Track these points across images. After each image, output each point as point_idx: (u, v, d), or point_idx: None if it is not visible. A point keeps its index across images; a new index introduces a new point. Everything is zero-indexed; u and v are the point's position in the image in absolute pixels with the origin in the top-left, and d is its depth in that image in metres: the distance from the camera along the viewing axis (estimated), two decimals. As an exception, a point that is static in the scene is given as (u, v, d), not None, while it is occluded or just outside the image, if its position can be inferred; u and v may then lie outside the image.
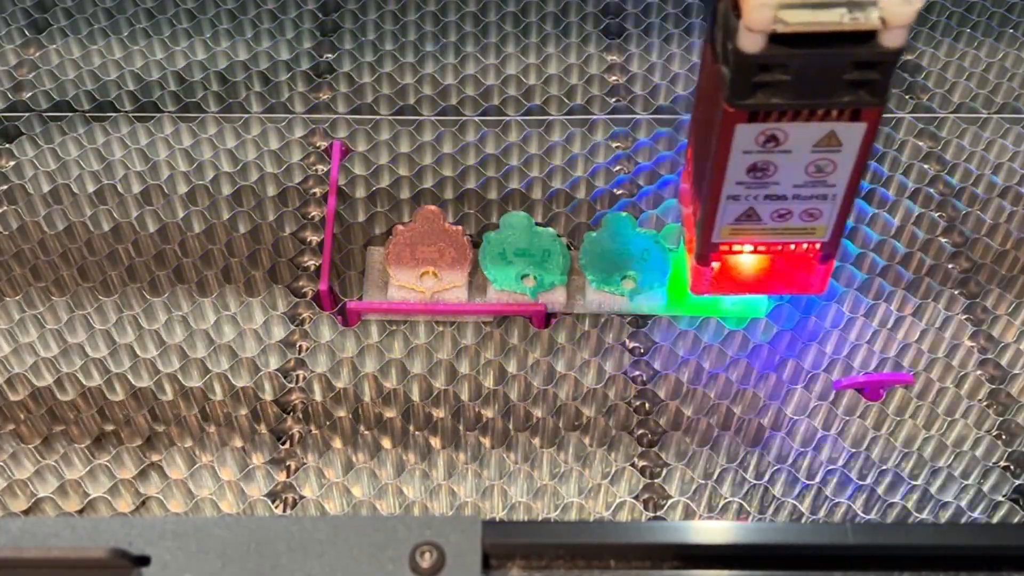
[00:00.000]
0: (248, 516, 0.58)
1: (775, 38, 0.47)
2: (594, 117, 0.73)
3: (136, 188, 0.70)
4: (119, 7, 0.78)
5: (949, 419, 0.61)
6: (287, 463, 0.61)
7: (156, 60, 0.76)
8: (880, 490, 0.59)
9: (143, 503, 0.59)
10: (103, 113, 0.73)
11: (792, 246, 0.57)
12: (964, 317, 0.65)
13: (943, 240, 0.68)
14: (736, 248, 0.57)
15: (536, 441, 0.61)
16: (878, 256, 0.67)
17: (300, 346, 0.65)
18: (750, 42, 0.47)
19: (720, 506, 0.59)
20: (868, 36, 0.47)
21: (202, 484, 0.60)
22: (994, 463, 0.60)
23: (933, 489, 0.59)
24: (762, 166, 0.52)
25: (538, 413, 0.61)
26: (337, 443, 0.61)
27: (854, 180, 0.53)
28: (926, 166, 0.71)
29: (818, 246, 0.56)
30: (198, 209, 0.68)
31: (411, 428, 0.61)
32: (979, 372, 0.63)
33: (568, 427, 0.61)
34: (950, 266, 0.67)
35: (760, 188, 0.53)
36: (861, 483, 0.59)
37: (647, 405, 0.62)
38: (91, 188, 0.69)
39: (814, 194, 0.54)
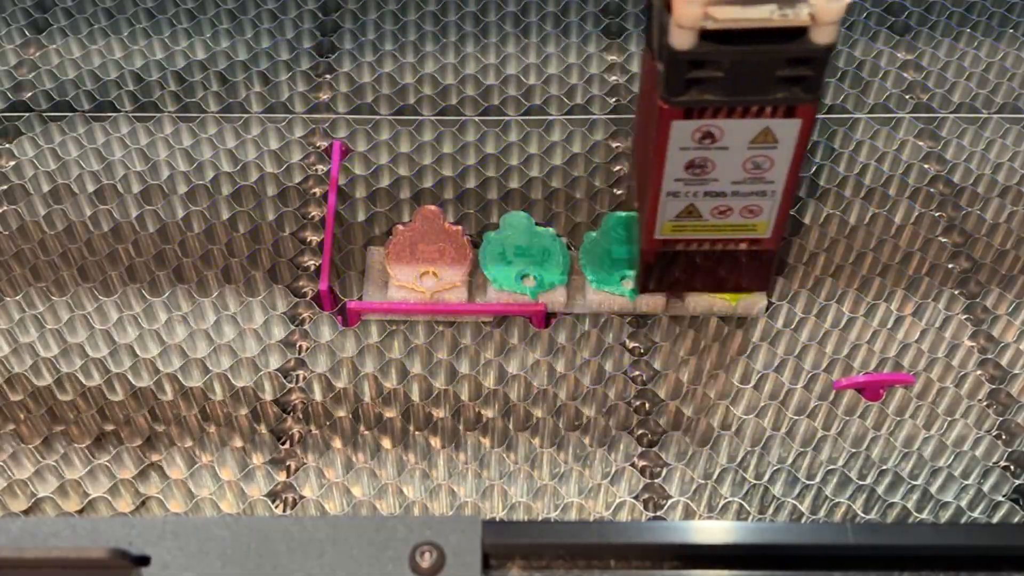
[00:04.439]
0: (248, 516, 0.58)
1: (707, 35, 0.47)
2: (594, 117, 0.73)
3: (136, 188, 0.70)
4: (119, 7, 0.78)
5: (949, 419, 0.61)
6: (287, 463, 0.61)
7: (156, 60, 0.76)
8: (880, 490, 0.59)
9: (143, 503, 0.59)
10: (103, 113, 0.73)
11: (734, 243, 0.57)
12: (964, 317, 0.65)
13: (943, 240, 0.68)
14: (680, 245, 0.57)
15: (536, 441, 0.61)
16: (878, 256, 0.67)
17: (300, 346, 0.65)
18: (681, 39, 0.47)
19: (720, 506, 0.59)
20: (799, 33, 0.47)
21: (202, 484, 0.60)
22: (994, 463, 0.60)
23: (933, 489, 0.59)
24: (700, 163, 0.53)
25: (538, 413, 0.61)
26: (337, 443, 0.61)
27: (792, 177, 0.54)
28: (926, 166, 0.71)
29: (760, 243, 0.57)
30: (198, 209, 0.68)
31: (411, 428, 0.61)
32: (979, 372, 0.63)
33: (568, 427, 0.61)
34: (950, 266, 0.67)
35: (699, 185, 0.54)
36: (861, 483, 0.59)
37: (647, 405, 0.62)
38: (91, 188, 0.69)
39: (753, 191, 0.54)
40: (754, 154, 0.52)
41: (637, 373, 0.63)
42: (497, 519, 0.59)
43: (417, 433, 0.61)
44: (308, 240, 0.69)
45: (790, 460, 0.60)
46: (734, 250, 0.58)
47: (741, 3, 0.46)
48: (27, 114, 0.73)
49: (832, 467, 0.59)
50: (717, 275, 0.60)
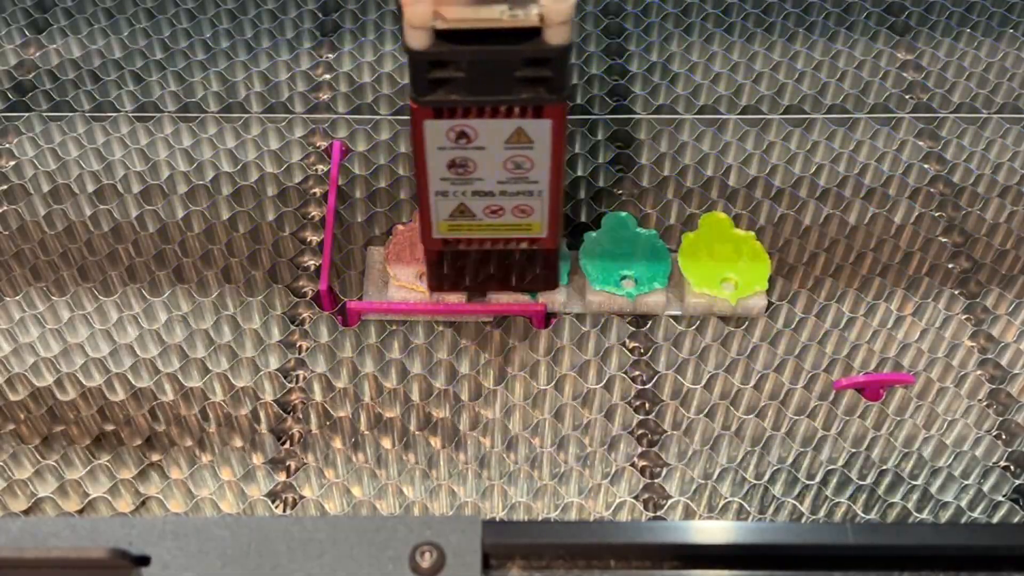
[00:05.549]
0: (248, 516, 0.58)
1: (443, 35, 0.47)
2: (594, 117, 0.73)
3: (136, 188, 0.70)
4: (119, 7, 0.78)
5: (949, 419, 0.61)
6: (287, 463, 0.61)
7: (156, 60, 0.76)
8: (880, 490, 0.59)
9: (143, 503, 0.59)
10: (103, 113, 0.73)
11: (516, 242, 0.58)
12: (964, 317, 0.65)
13: (943, 240, 0.68)
14: (461, 244, 0.58)
15: (536, 441, 0.61)
16: (878, 256, 0.67)
17: (300, 346, 0.65)
18: (415, 38, 0.47)
19: (720, 506, 0.59)
20: (534, 33, 0.47)
21: (202, 484, 0.60)
22: (994, 463, 0.60)
23: (933, 489, 0.59)
24: (461, 162, 0.53)
25: (537, 413, 0.61)
26: (337, 443, 0.61)
27: (555, 176, 0.54)
28: (926, 166, 0.71)
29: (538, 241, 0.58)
30: (198, 209, 0.68)
31: (411, 428, 0.61)
32: (979, 372, 0.63)
33: (568, 427, 0.61)
34: (950, 266, 0.67)
35: (465, 184, 0.54)
36: (861, 483, 0.59)
37: (647, 405, 0.62)
38: (91, 188, 0.69)
39: (520, 190, 0.55)
40: (512, 154, 0.53)
41: (637, 373, 0.63)
42: (497, 519, 0.59)
43: (417, 433, 0.61)
44: (308, 240, 0.69)
45: (790, 460, 0.60)
46: (516, 249, 0.59)
47: (472, 3, 0.46)
48: (27, 114, 0.73)
49: (832, 467, 0.59)
50: (506, 274, 0.61)
